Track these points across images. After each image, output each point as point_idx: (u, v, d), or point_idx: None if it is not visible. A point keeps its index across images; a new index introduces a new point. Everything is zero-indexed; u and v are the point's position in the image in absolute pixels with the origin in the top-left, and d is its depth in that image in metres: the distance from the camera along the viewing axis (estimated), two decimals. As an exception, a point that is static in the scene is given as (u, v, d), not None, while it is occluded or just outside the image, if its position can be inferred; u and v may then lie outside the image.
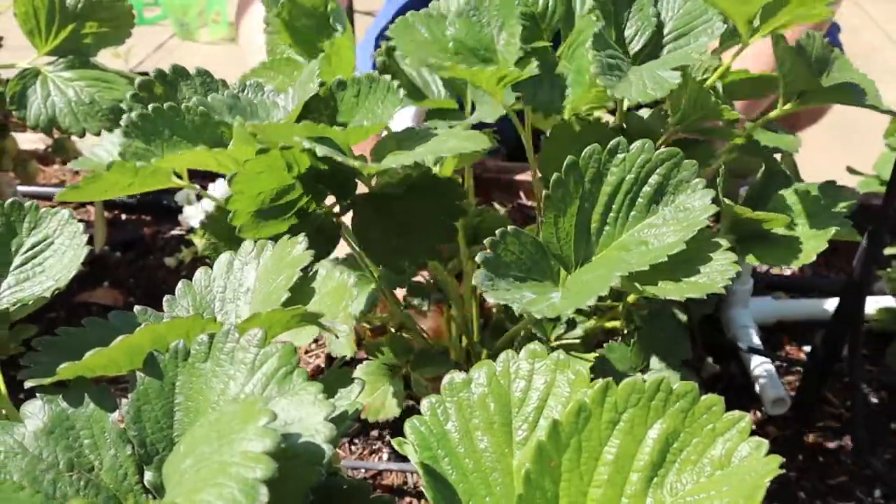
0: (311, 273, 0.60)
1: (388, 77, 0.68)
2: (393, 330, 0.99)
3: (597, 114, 0.82)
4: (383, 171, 0.72)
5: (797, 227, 0.76)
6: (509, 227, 0.63)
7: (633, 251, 0.64)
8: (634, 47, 0.75)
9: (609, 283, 0.58)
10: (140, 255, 1.34)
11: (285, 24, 0.77)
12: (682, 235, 0.62)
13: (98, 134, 0.96)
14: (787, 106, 0.77)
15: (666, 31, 0.75)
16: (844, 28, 1.54)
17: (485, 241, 0.62)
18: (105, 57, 1.07)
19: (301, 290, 0.56)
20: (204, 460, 0.37)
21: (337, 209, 0.73)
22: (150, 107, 0.68)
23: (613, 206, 0.65)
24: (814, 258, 0.73)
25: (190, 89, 0.76)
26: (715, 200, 0.64)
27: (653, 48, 0.75)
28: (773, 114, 0.78)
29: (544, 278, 0.64)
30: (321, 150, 0.59)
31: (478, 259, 0.61)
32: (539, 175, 0.76)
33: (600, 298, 0.87)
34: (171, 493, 0.38)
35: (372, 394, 0.94)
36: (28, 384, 0.49)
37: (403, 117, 1.04)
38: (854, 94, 0.75)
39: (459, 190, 0.74)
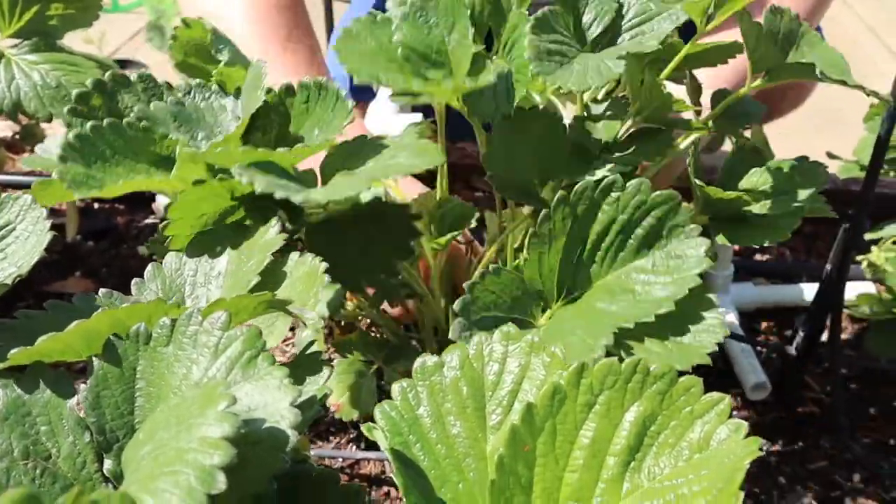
0: (283, 257, 0.59)
1: (335, 85, 0.66)
2: (362, 326, 0.97)
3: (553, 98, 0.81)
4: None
5: (771, 206, 0.76)
6: (491, 267, 0.63)
7: (618, 298, 0.63)
8: (592, 34, 0.74)
9: (594, 352, 0.57)
10: (113, 244, 1.31)
11: (179, 64, 0.75)
12: (672, 292, 0.61)
13: (65, 118, 0.94)
14: (756, 83, 0.76)
15: (627, 17, 0.74)
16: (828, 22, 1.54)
17: (464, 285, 0.61)
18: (77, 44, 1.05)
19: (272, 274, 0.55)
20: (162, 447, 0.35)
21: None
22: (87, 126, 0.64)
23: (603, 245, 0.64)
24: (788, 236, 0.73)
25: (132, 97, 0.72)
26: (708, 251, 0.63)
27: (613, 35, 0.74)
28: (741, 91, 0.78)
29: (525, 316, 0.63)
30: (260, 185, 0.55)
31: (456, 307, 0.60)
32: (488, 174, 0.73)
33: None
34: (129, 480, 0.37)
35: (344, 392, 0.92)
36: (-20, 369, 0.47)
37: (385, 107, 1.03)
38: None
39: (410, 214, 0.71)
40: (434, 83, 0.64)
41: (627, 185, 0.63)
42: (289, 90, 0.68)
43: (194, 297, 0.60)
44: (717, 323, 0.62)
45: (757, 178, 0.79)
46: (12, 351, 0.44)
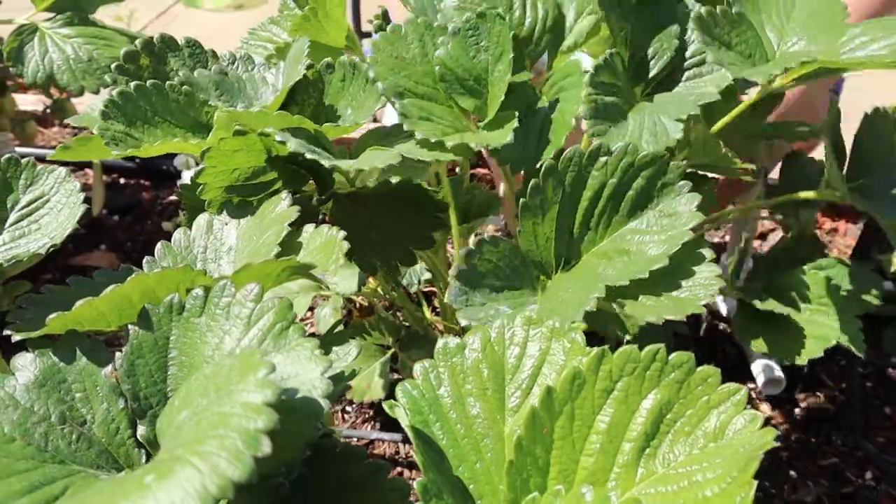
0: (297, 231, 0.60)
1: (365, 66, 0.66)
2: (381, 310, 0.98)
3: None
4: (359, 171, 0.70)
5: (808, 315, 0.73)
6: (486, 235, 0.62)
7: (615, 260, 0.62)
8: (651, 71, 0.70)
9: (585, 306, 0.56)
10: (137, 219, 1.33)
11: None
12: (665, 249, 0.60)
13: (97, 92, 0.95)
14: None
15: (688, 53, 0.70)
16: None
17: (460, 252, 0.60)
18: (107, 22, 1.06)
19: (289, 245, 0.56)
20: (202, 412, 0.36)
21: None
22: (132, 85, 0.66)
23: (595, 211, 0.63)
24: (817, 355, 0.71)
25: (178, 61, 0.73)
26: (700, 207, 0.61)
27: (671, 72, 0.70)
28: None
29: (523, 285, 0.62)
30: (293, 145, 0.57)
31: (451, 273, 0.59)
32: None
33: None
34: (169, 445, 0.38)
35: (358, 374, 0.94)
36: (15, 338, 0.49)
37: None
38: None
39: (440, 203, 0.71)
40: (458, 144, 0.62)
41: (613, 148, 0.61)
42: (328, 67, 0.69)
43: (211, 271, 0.62)
44: (712, 276, 0.61)
45: (804, 281, 0.75)
46: (50, 316, 0.46)
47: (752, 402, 1.01)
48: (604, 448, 0.48)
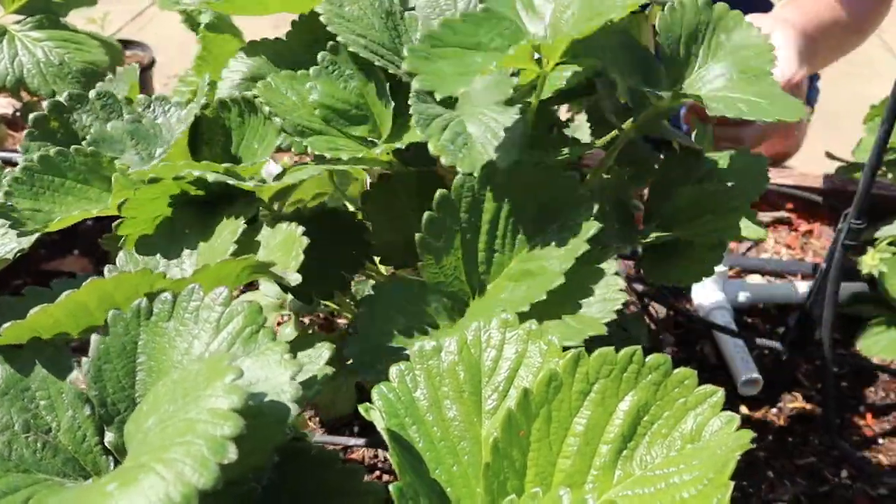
0: (255, 230, 0.59)
1: (259, 103, 0.65)
2: (342, 323, 0.97)
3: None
4: (283, 191, 0.69)
5: (692, 227, 0.70)
6: (388, 281, 0.61)
7: (521, 283, 0.61)
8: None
9: None
10: (112, 222, 1.31)
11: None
12: (561, 266, 0.58)
13: (68, 95, 0.94)
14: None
15: None
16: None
17: (358, 300, 0.60)
18: (80, 24, 1.05)
19: (247, 245, 0.55)
20: (169, 419, 0.36)
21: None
22: (35, 157, 0.65)
23: (497, 234, 0.62)
24: (712, 267, 0.69)
25: (90, 115, 0.72)
26: (598, 217, 0.60)
27: None
28: None
29: (439, 320, 0.61)
30: (212, 177, 0.57)
31: (351, 331, 0.58)
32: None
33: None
34: (136, 452, 0.37)
35: (322, 390, 0.92)
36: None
37: None
38: None
39: (363, 225, 0.71)
40: (366, 150, 0.62)
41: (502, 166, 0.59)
42: (223, 105, 0.68)
43: (170, 276, 0.61)
44: (614, 291, 0.60)
45: (690, 196, 0.71)
46: (4, 326, 0.44)
47: (730, 403, 1.01)
48: (581, 450, 0.48)
